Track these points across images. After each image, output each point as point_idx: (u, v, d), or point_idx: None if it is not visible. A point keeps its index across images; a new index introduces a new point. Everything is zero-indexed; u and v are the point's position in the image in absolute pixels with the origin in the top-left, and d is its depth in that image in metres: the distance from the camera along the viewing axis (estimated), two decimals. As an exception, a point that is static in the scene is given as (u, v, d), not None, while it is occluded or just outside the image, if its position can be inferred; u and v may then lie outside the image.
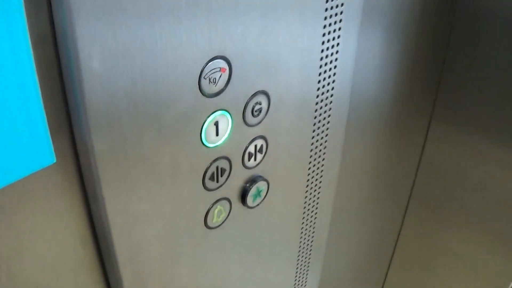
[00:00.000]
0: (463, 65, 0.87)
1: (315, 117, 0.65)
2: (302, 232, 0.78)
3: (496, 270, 1.03)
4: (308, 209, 0.76)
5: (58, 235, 0.45)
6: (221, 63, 0.47)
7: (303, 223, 0.77)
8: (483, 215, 0.99)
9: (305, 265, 0.85)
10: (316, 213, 0.78)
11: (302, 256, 0.82)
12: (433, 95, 0.94)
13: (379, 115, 0.85)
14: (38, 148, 0.38)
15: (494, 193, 0.95)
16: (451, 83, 0.91)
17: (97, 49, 0.37)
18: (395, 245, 1.19)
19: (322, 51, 0.59)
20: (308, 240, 0.81)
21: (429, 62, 0.88)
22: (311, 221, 0.78)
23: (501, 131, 0.88)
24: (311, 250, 0.83)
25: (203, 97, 0.48)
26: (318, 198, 0.76)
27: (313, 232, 0.81)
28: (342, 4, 0.58)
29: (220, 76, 0.48)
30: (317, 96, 0.63)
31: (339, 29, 0.60)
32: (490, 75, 0.85)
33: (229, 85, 0.49)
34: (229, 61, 0.48)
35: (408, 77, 0.85)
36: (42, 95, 0.37)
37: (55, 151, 0.40)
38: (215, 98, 0.49)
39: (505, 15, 0.78)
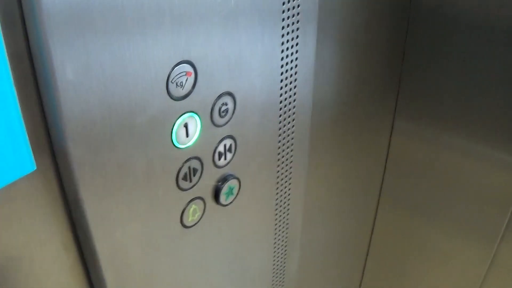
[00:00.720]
0: (424, 60, 0.90)
1: (280, 115, 0.68)
2: (276, 228, 0.81)
3: (470, 261, 1.05)
4: (280, 205, 0.79)
5: (41, 240, 0.47)
6: (187, 68, 0.50)
7: (276, 218, 0.80)
8: (454, 207, 1.02)
9: (281, 260, 0.88)
10: (288, 209, 0.81)
11: (278, 251, 0.85)
12: (396, 91, 0.97)
13: (343, 112, 0.88)
14: (18, 156, 0.40)
15: (462, 184, 0.98)
16: (412, 79, 0.94)
17: (70, 62, 0.40)
18: (370, 239, 1.22)
19: (282, 51, 0.62)
20: (283, 235, 0.84)
21: (389, 59, 0.91)
22: (284, 217, 0.81)
23: (464, 122, 0.91)
24: (286, 245, 0.86)
25: (172, 101, 0.50)
26: (289, 194, 0.79)
27: (287, 227, 0.84)
28: (298, 6, 0.61)
29: (187, 79, 0.51)
30: (281, 95, 0.66)
31: (297, 29, 0.63)
32: (450, 68, 0.88)
33: (195, 88, 0.52)
34: (194, 65, 0.51)
35: (369, 75, 0.88)
36: (20, 106, 0.39)
37: (35, 159, 0.42)
38: (183, 101, 0.52)
39: (462, 13, 0.82)
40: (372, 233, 1.20)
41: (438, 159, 0.99)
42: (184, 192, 0.58)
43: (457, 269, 1.09)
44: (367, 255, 1.25)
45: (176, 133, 0.53)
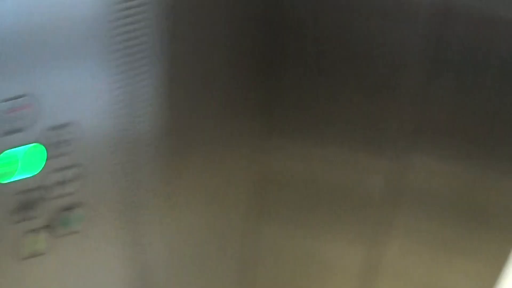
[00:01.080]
0: (290, 71, 0.91)
1: (128, 143, 0.68)
2: (132, 255, 0.80)
3: (355, 267, 1.07)
4: (135, 232, 0.79)
5: None
6: (26, 100, 0.50)
7: (132, 245, 0.80)
8: (335, 215, 1.01)
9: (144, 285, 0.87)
10: (147, 235, 0.81)
11: (138, 277, 0.84)
12: (264, 108, 0.97)
13: (205, 134, 0.87)
14: None
15: (339, 191, 0.98)
16: (279, 96, 0.94)
17: None
18: (256, 259, 1.19)
19: (119, 81, 0.62)
20: (141, 261, 0.83)
21: (254, 76, 0.91)
22: (142, 242, 0.81)
23: (332, 133, 0.93)
24: (148, 271, 0.86)
25: (10, 134, 0.50)
26: (141, 221, 0.79)
27: (147, 253, 0.83)
28: (135, 38, 0.62)
29: (26, 112, 0.51)
30: (124, 124, 0.66)
31: (136, 60, 0.63)
32: (317, 77, 0.88)
33: (36, 120, 0.53)
34: (33, 97, 0.51)
35: (233, 95, 0.88)
36: None
37: None
38: (22, 133, 0.52)
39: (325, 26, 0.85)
40: (258, 254, 1.18)
41: (312, 170, 0.99)
42: (20, 224, 0.57)
43: (344, 276, 1.11)
44: (255, 273, 1.22)
45: (19, 164, 0.52)
